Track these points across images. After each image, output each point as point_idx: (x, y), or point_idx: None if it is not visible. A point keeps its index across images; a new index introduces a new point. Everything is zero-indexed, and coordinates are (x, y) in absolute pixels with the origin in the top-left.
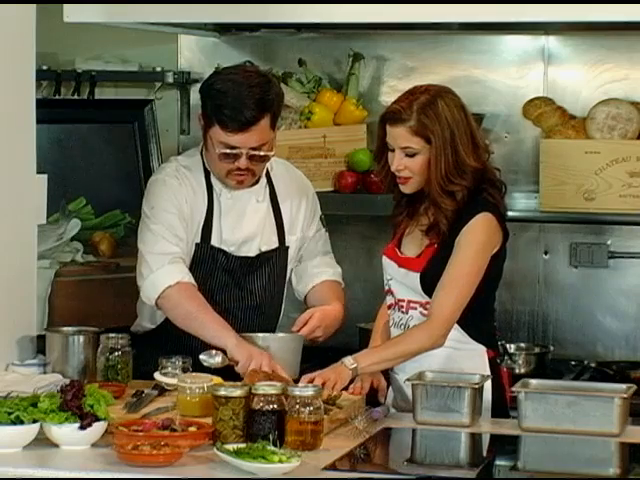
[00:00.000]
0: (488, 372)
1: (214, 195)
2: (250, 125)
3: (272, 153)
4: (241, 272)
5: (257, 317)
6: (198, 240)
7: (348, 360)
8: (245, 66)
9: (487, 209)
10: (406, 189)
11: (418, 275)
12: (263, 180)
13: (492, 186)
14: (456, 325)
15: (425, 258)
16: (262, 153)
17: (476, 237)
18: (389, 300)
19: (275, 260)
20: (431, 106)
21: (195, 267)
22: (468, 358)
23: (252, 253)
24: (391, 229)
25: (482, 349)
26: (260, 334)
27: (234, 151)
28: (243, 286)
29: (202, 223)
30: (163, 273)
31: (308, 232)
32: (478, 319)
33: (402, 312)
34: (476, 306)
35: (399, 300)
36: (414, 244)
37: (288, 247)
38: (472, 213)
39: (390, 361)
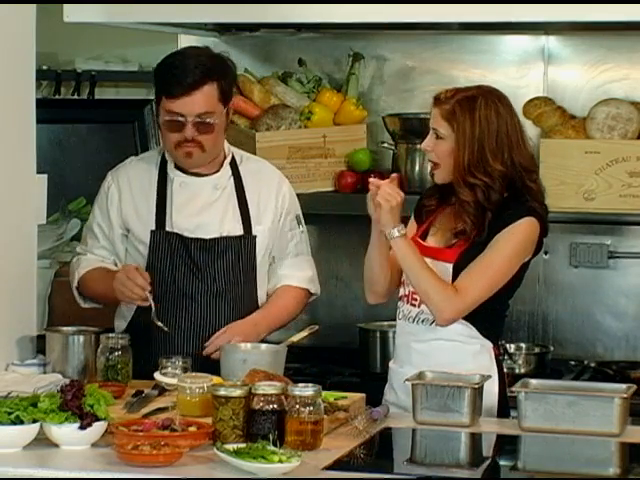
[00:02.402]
0: (495, 367)
1: (167, 183)
2: (193, 88)
3: (214, 121)
4: (201, 257)
5: (221, 304)
6: (153, 227)
7: (401, 225)
8: (201, 47)
9: (534, 215)
10: (436, 177)
11: (451, 266)
12: (227, 170)
13: (534, 197)
14: (465, 322)
15: (459, 249)
16: (208, 120)
17: (517, 238)
18: (401, 292)
19: (240, 248)
20: (470, 100)
21: (154, 254)
22: (476, 352)
23: (208, 235)
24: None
25: (490, 345)
26: (242, 344)
27: (179, 118)
28: (205, 271)
29: (154, 211)
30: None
31: (280, 227)
32: (489, 318)
33: (412, 305)
34: (489, 306)
35: (412, 292)
36: (443, 236)
37: (255, 236)
38: (517, 215)
39: (411, 266)
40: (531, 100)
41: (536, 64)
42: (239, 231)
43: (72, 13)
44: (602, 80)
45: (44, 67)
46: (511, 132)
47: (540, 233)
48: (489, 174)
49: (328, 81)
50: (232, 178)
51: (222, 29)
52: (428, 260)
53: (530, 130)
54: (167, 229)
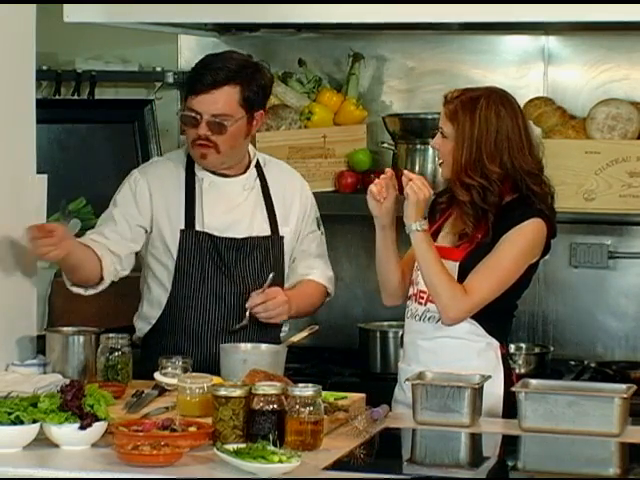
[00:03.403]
0: (501, 366)
1: (195, 183)
2: (212, 88)
3: (230, 124)
4: (230, 256)
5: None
6: (182, 226)
7: (423, 221)
8: (240, 53)
9: (541, 217)
10: (441, 172)
11: (457, 264)
12: (253, 171)
13: (541, 200)
14: (472, 320)
15: (465, 249)
16: (218, 120)
17: (523, 239)
18: (410, 291)
19: (268, 248)
20: (472, 100)
21: (183, 254)
22: (482, 350)
23: (239, 235)
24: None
25: (496, 344)
26: (242, 344)
27: (194, 115)
28: (234, 272)
29: (183, 210)
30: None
31: (303, 228)
32: (495, 317)
33: (419, 304)
34: (495, 305)
35: (420, 291)
36: (452, 236)
37: (283, 237)
38: (524, 216)
39: (425, 262)
40: (531, 100)
41: (536, 64)
42: (267, 231)
43: (72, 13)
44: (602, 80)
45: (44, 67)
46: (512, 134)
47: (547, 235)
48: (485, 176)
49: (328, 81)
50: (258, 180)
51: (222, 29)
52: None
53: None
54: (197, 228)
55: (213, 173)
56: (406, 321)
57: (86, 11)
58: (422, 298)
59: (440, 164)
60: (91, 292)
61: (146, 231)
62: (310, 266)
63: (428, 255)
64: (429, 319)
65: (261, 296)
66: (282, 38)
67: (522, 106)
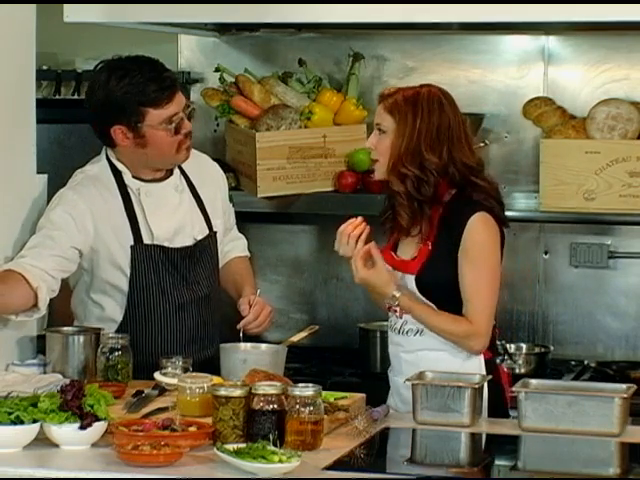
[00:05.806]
0: (484, 372)
1: (131, 195)
2: (175, 86)
3: (189, 110)
4: (184, 264)
5: (206, 308)
6: (132, 242)
7: (396, 291)
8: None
9: (481, 209)
10: (375, 173)
11: (413, 278)
12: (176, 171)
13: (480, 191)
14: None
15: (420, 260)
16: (187, 111)
17: (479, 239)
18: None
19: (211, 247)
20: (414, 94)
21: (137, 269)
22: (465, 359)
23: (188, 242)
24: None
25: None
26: (242, 344)
27: (177, 118)
28: (190, 279)
29: (128, 225)
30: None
31: (227, 209)
32: None
33: (397, 317)
34: None
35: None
36: (409, 247)
37: (216, 232)
38: (464, 214)
39: (421, 319)
40: (531, 100)
41: (536, 64)
42: (206, 230)
43: (72, 13)
44: (602, 80)
45: (44, 67)
46: (453, 127)
47: (497, 222)
48: (422, 166)
49: (328, 81)
50: (183, 179)
51: (222, 29)
52: (398, 274)
53: (530, 130)
54: (146, 242)
55: (142, 180)
56: (388, 332)
57: (86, 11)
58: (397, 311)
59: (374, 164)
60: (22, 319)
61: (81, 254)
62: (230, 240)
63: (419, 312)
64: (407, 332)
65: (253, 313)
66: (282, 38)
67: (522, 106)
